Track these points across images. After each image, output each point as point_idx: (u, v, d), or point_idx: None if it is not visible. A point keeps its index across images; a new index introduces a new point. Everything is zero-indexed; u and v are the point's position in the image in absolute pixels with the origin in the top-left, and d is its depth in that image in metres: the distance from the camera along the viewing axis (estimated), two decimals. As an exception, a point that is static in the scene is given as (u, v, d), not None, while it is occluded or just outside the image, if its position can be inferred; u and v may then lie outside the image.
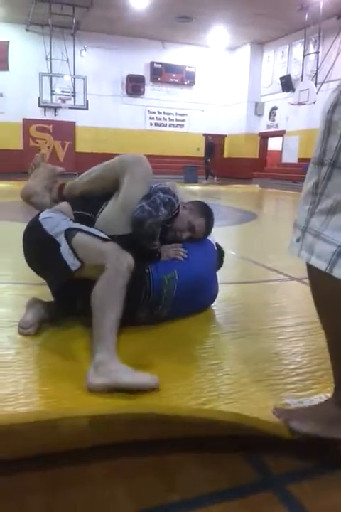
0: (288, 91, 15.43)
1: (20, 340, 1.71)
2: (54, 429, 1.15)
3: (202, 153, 16.61)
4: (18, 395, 1.31)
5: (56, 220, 1.75)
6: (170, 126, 18.11)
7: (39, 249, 1.77)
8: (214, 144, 15.68)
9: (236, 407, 1.27)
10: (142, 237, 1.79)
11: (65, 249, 1.64)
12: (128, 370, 1.35)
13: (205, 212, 2.07)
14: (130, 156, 1.87)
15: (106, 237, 1.70)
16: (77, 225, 1.73)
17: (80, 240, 1.66)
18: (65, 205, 1.87)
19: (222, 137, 18.83)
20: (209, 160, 15.26)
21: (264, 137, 18.01)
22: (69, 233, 1.67)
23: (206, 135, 16.11)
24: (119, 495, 1.07)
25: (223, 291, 2.21)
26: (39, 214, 1.82)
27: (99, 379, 1.33)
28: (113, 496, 1.07)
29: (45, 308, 1.85)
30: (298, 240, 1.08)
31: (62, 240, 1.66)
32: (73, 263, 1.61)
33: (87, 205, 1.86)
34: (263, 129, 17.85)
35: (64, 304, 1.86)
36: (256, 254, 3.65)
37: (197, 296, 1.95)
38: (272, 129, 17.39)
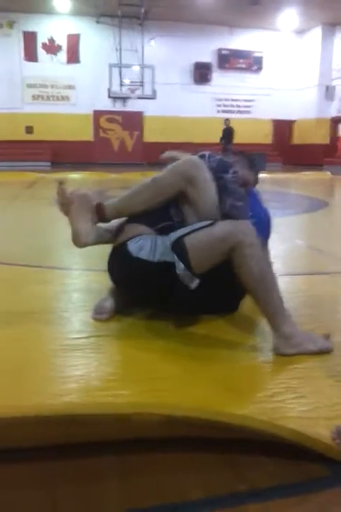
0: (361, 74, 14.60)
1: (92, 324, 1.76)
2: (127, 421, 1.17)
3: (269, 140, 16.16)
4: (90, 377, 1.35)
5: (151, 245, 1.64)
6: (237, 112, 17.81)
7: (150, 283, 1.66)
8: (232, 129, 14.26)
9: (303, 402, 1.24)
10: None
11: (179, 268, 1.56)
12: (311, 337, 1.56)
13: (252, 163, 2.08)
14: (186, 165, 1.72)
15: (210, 222, 1.61)
16: (179, 232, 1.62)
17: (192, 243, 1.57)
18: (142, 227, 1.71)
19: (291, 123, 18.22)
20: (228, 147, 13.68)
21: (336, 122, 17.18)
22: (177, 245, 1.58)
23: (225, 119, 14.55)
24: (189, 483, 1.08)
25: (291, 282, 2.16)
26: (125, 252, 1.67)
27: (291, 349, 1.51)
28: (182, 483, 1.08)
29: (123, 297, 1.85)
30: None
31: (173, 258, 1.58)
32: (191, 281, 1.57)
33: (159, 218, 1.73)
34: (334, 114, 17.02)
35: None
36: (327, 245, 3.51)
37: None
38: (344, 114, 16.56)
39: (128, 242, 1.67)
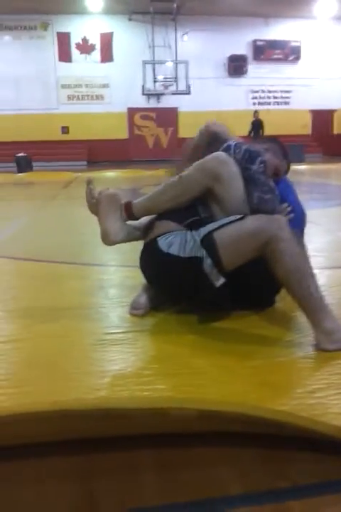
0: None
1: (129, 319, 1.77)
2: (165, 416, 1.17)
3: (308, 131, 15.74)
4: (127, 372, 1.37)
5: (181, 240, 1.62)
6: (274, 104, 17.50)
7: (179, 279, 1.65)
8: (261, 121, 13.85)
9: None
10: None
11: (207, 264, 1.54)
12: None
13: (285, 150, 1.99)
14: (211, 161, 1.68)
15: (240, 216, 1.58)
16: (209, 227, 1.60)
17: (222, 238, 1.55)
18: (172, 223, 1.71)
19: (331, 112, 17.71)
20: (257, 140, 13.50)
21: None
22: (206, 241, 1.56)
23: (254, 112, 14.26)
24: (227, 478, 1.06)
25: (334, 276, 2.09)
26: (155, 248, 1.66)
27: (333, 345, 1.45)
28: (220, 478, 1.07)
29: (158, 294, 1.85)
30: None
31: (202, 253, 1.56)
32: (217, 278, 1.55)
33: (188, 213, 1.72)
34: None
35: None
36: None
37: None
38: None
39: (158, 239, 1.67)
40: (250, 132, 13.53)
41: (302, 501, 1.00)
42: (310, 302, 1.49)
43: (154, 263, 1.72)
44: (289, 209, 1.80)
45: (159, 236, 1.68)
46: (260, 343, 1.57)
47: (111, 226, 1.74)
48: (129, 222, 1.80)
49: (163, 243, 1.65)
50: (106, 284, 2.29)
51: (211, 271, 1.54)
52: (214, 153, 1.71)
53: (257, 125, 13.75)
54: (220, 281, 1.55)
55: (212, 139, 1.91)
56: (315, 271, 1.57)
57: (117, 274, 2.54)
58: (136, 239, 1.83)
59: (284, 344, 1.55)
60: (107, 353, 1.49)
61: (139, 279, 1.92)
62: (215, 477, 1.07)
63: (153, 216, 1.81)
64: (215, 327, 1.70)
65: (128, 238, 1.80)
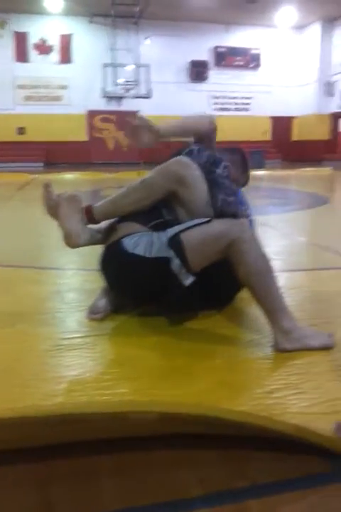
0: (360, 68, 14.66)
1: (87, 324, 1.74)
2: (123, 420, 1.16)
3: (268, 137, 16.09)
4: (86, 377, 1.34)
5: (147, 241, 1.63)
6: (235, 110, 17.80)
7: (145, 280, 1.64)
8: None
9: (303, 398, 1.23)
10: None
11: (175, 264, 1.55)
12: (312, 333, 1.55)
13: (245, 164, 2.05)
14: (173, 165, 1.69)
15: (207, 219, 1.60)
16: (176, 228, 1.61)
17: (189, 240, 1.56)
18: (136, 225, 1.71)
19: (290, 119, 18.21)
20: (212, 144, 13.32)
21: (336, 118, 17.17)
22: (174, 241, 1.56)
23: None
24: (187, 480, 1.06)
25: (292, 278, 2.14)
26: (119, 248, 1.66)
27: (291, 344, 1.49)
28: (180, 480, 1.06)
29: (118, 297, 1.84)
30: None
31: (169, 253, 1.56)
32: (186, 278, 1.55)
33: (152, 215, 1.72)
34: (334, 109, 17.03)
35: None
36: (329, 240, 3.47)
37: None
38: (344, 109, 16.58)
39: (122, 240, 1.66)
40: None
41: (261, 500, 1.00)
42: (270, 302, 1.53)
43: (117, 264, 1.69)
44: (248, 212, 1.84)
45: (124, 237, 1.67)
46: (220, 343, 1.59)
47: (74, 228, 1.70)
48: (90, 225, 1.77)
49: (128, 243, 1.64)
50: (63, 289, 2.25)
51: (179, 271, 1.55)
52: (177, 158, 1.72)
53: None
54: (189, 280, 1.55)
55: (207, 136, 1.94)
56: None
57: (75, 278, 2.49)
58: (99, 242, 1.80)
59: (244, 344, 1.57)
60: (64, 359, 1.46)
61: (98, 282, 1.89)
62: (176, 480, 1.06)
63: (114, 219, 1.79)
64: (176, 328, 1.70)
65: (91, 241, 1.77)
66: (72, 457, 1.12)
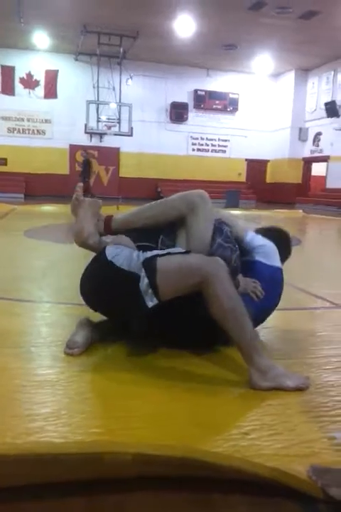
0: (332, 116, 15.38)
1: (63, 359, 1.71)
2: (97, 461, 1.13)
3: (243, 178, 16.47)
4: (60, 415, 1.31)
5: (127, 255, 1.69)
6: (212, 151, 18.25)
7: (115, 290, 1.69)
8: (90, 160, 14.53)
9: (278, 439, 1.23)
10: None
11: (143, 283, 1.58)
12: (287, 373, 1.56)
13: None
14: (194, 194, 1.80)
15: (186, 250, 1.68)
16: (155, 252, 1.68)
17: (163, 264, 1.60)
18: (125, 238, 1.80)
19: (265, 162, 18.76)
20: (86, 179, 13.58)
21: (308, 162, 17.81)
22: (148, 263, 1.61)
23: (82, 151, 15.15)
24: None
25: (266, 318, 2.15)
26: (102, 253, 1.74)
27: (266, 383, 1.51)
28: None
29: (96, 330, 1.85)
30: None
31: (142, 272, 1.60)
32: (151, 299, 1.57)
33: (145, 237, 1.80)
34: (306, 155, 17.66)
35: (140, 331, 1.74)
36: (301, 281, 3.54)
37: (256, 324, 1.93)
38: (316, 154, 17.20)
39: (106, 247, 1.74)
40: (81, 174, 13.92)
41: None
42: (245, 341, 1.55)
43: (95, 270, 1.76)
44: (260, 295, 1.91)
45: (109, 245, 1.75)
46: (197, 382, 1.59)
47: (86, 227, 1.83)
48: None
49: (110, 252, 1.72)
50: (40, 322, 2.21)
51: (146, 290, 1.57)
52: (200, 191, 1.83)
53: (85, 165, 14.26)
54: (153, 302, 1.57)
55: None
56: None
57: (53, 312, 2.44)
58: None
59: (220, 383, 1.58)
60: (37, 395, 1.42)
61: (75, 317, 1.87)
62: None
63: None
64: (153, 365, 1.69)
65: (98, 245, 1.83)
66: (43, 500, 1.08)
